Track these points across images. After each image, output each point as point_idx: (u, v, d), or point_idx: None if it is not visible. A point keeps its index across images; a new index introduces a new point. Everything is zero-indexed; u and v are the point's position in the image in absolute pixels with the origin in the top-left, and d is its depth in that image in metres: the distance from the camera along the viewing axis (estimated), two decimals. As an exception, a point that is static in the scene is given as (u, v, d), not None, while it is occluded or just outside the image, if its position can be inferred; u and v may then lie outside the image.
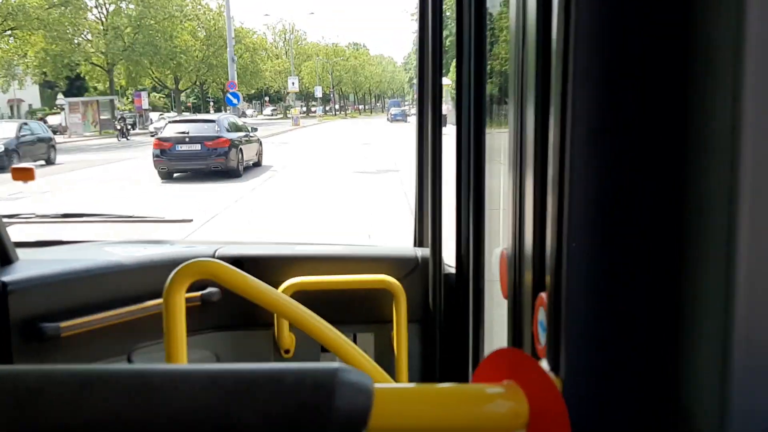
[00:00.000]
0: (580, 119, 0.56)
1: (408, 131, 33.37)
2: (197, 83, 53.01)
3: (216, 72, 50.30)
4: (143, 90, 46.56)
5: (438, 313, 2.06)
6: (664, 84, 0.54)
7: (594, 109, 0.55)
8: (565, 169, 0.57)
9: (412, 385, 0.53)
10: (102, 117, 36.86)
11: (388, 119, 51.20)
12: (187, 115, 29.84)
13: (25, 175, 2.33)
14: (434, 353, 2.15)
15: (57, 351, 1.71)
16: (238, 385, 0.46)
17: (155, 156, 14.67)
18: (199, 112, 49.78)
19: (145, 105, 43.33)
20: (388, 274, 2.06)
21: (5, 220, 1.96)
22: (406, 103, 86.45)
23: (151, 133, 34.07)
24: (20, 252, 1.89)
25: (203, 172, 14.58)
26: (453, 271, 2.07)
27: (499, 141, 1.87)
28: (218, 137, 14.77)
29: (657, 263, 0.55)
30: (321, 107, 74.44)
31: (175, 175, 14.90)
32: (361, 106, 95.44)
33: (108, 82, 43.72)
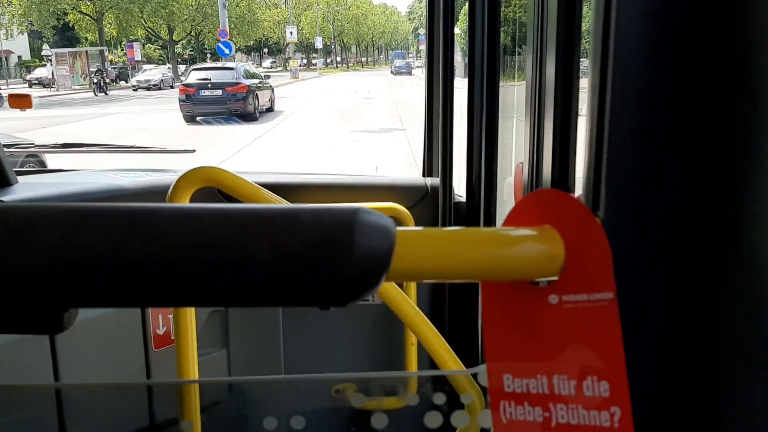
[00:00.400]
0: (621, 70, 0.51)
1: (413, 84, 32.05)
2: (192, 34, 50.14)
3: (212, 21, 47.34)
4: (135, 41, 43.81)
5: None
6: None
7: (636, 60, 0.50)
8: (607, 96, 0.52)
9: (435, 228, 0.49)
10: (92, 69, 34.35)
11: (391, 72, 49.84)
12: (208, 63, 28.57)
13: (22, 102, 2.28)
14: (444, 289, 2.14)
15: None
16: (251, 221, 0.42)
17: (181, 101, 16.00)
18: (195, 62, 48.13)
19: (138, 56, 41.39)
20: (398, 203, 2.03)
21: (6, 149, 1.92)
22: (410, 55, 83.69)
23: (133, 87, 33.03)
24: (20, 178, 1.86)
25: (223, 115, 15.75)
26: (463, 199, 2.05)
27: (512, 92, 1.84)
28: (237, 83, 16.05)
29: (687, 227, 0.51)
30: (322, 59, 71.57)
31: (198, 118, 15.95)
32: (363, 59, 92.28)
33: (98, 32, 40.98)
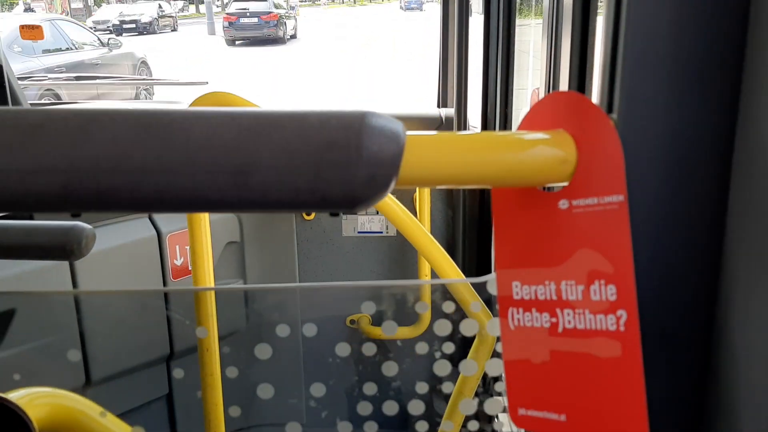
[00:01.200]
0: None
1: (425, 25, 28.25)
2: None
3: None
4: None
5: None
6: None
7: None
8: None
9: (446, 132, 0.48)
10: (74, 6, 28.25)
11: (401, 7, 45.22)
12: None
13: (33, 33, 2.26)
14: (458, 214, 2.14)
15: None
16: (259, 123, 0.42)
17: (224, 27, 19.43)
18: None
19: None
20: None
21: (20, 82, 1.92)
22: None
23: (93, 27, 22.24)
24: None
25: (258, 39, 19.28)
26: (478, 130, 2.02)
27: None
28: (270, 12, 19.51)
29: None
30: None
31: (237, 42, 19.49)
32: None
33: None
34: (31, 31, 2.25)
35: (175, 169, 0.41)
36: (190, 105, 1.33)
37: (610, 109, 0.51)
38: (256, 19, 19.21)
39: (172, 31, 23.98)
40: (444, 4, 2.23)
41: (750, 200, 0.46)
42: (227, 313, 2.05)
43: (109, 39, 9.48)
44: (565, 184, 0.50)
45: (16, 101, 1.75)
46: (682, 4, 0.47)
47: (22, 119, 0.42)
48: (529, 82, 1.88)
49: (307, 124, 0.42)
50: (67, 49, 8.04)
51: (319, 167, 0.42)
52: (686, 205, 0.50)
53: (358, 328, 2.23)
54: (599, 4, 0.93)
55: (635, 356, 0.47)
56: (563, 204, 0.50)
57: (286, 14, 20.71)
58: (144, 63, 9.05)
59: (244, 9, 19.36)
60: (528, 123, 0.53)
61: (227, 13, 19.82)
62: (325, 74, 13.51)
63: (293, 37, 20.88)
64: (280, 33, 19.72)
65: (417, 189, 2.07)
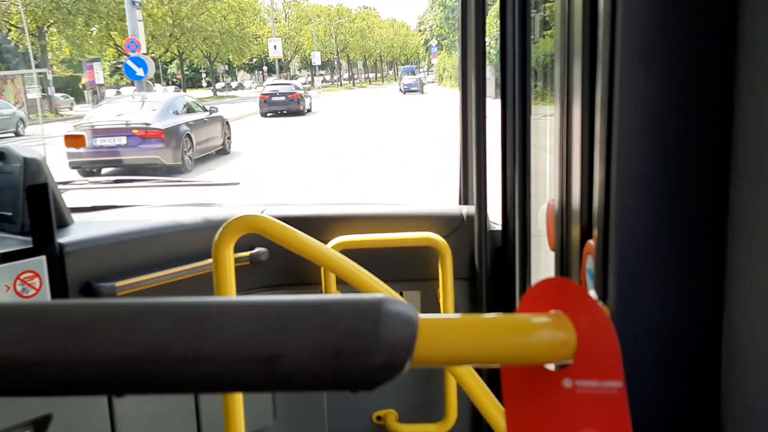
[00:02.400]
0: (628, 81, 0.55)
1: (427, 106, 28.36)
2: (175, 52, 43.41)
3: (193, 37, 41.26)
4: (95, 61, 32.19)
5: (484, 270, 2.07)
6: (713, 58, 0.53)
7: (641, 72, 0.54)
8: (614, 126, 0.56)
9: (456, 315, 0.53)
10: (30, 96, 24.86)
11: (400, 90, 42.12)
12: (273, 79, 34.39)
13: (76, 141, 2.40)
14: (481, 310, 2.16)
15: None
16: (286, 315, 0.47)
17: (261, 103, 26.37)
18: (190, 86, 44.55)
19: (100, 80, 30.10)
20: (434, 232, 2.06)
21: (60, 186, 2.02)
22: (422, 70, 73.55)
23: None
24: (75, 216, 1.95)
25: (284, 111, 25.88)
26: (499, 228, 2.07)
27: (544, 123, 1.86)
28: (294, 92, 26.49)
29: (704, 211, 0.54)
30: (323, 77, 62.38)
31: (268, 114, 25.95)
32: (372, 75, 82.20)
33: (42, 51, 32.45)
34: (74, 140, 2.40)
35: (210, 359, 0.47)
36: (223, 228, 1.40)
37: (604, 297, 0.56)
38: (283, 98, 26.22)
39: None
40: (463, 102, 2.31)
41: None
42: (254, 406, 2.06)
43: (210, 108, 15.11)
44: (570, 362, 0.54)
45: (60, 218, 1.84)
46: (669, 192, 0.52)
47: (76, 313, 0.48)
48: (547, 186, 1.93)
49: (329, 313, 0.48)
50: (188, 111, 13.57)
51: (339, 355, 0.47)
52: (685, 391, 0.53)
53: (385, 424, 2.23)
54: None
55: None
56: (567, 383, 0.54)
57: (304, 94, 27.91)
58: (227, 123, 15.24)
59: (275, 90, 26.70)
60: (526, 304, 0.57)
61: (262, 93, 27.16)
62: (336, 134, 18.72)
63: (309, 111, 28.16)
64: (301, 107, 26.66)
65: (440, 284, 2.11)
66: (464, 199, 2.30)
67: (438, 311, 2.12)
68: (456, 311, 2.17)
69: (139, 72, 17.09)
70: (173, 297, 0.49)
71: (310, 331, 0.47)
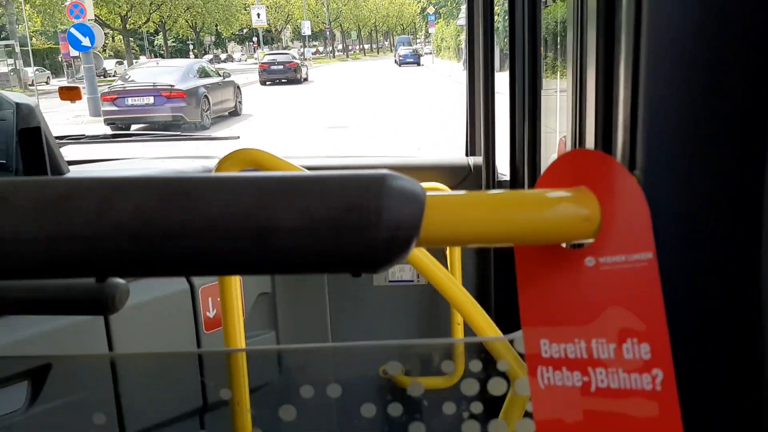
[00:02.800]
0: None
1: (425, 80, 26.76)
2: (157, 22, 40.73)
3: (175, 5, 38.66)
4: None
5: None
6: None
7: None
8: (641, 58, 0.50)
9: (466, 192, 0.48)
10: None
11: (396, 62, 39.61)
12: (267, 50, 35.35)
13: (72, 94, 2.35)
14: (488, 264, 2.12)
15: None
16: (280, 188, 0.42)
17: (260, 72, 27.71)
18: (176, 55, 42.38)
19: (75, 52, 25.26)
20: (441, 183, 2.02)
21: (57, 141, 1.98)
22: (418, 40, 68.05)
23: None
24: (71, 167, 1.92)
25: (283, 80, 27.14)
26: (507, 178, 2.02)
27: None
28: (291, 61, 27.89)
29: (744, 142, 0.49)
30: (312, 48, 57.60)
31: (267, 82, 27.11)
32: (367, 46, 76.68)
33: (9, 21, 28.62)
34: (69, 92, 2.35)
35: (196, 235, 0.42)
36: (220, 162, 1.35)
37: (632, 167, 0.51)
38: (282, 66, 27.79)
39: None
40: (470, 51, 2.26)
41: None
42: (260, 366, 2.04)
43: (222, 72, 16.51)
44: (591, 240, 0.49)
45: (55, 166, 1.80)
46: (700, 58, 0.47)
47: (51, 188, 0.43)
48: (558, 126, 1.88)
49: (328, 187, 0.43)
50: (205, 76, 14.82)
51: (339, 230, 0.42)
52: (716, 259, 0.49)
53: (392, 378, 2.20)
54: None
55: (674, 416, 0.46)
56: (589, 261, 0.49)
57: (301, 63, 29.45)
58: (238, 87, 16.48)
59: (273, 60, 28.51)
60: (547, 180, 0.52)
61: (261, 62, 28.84)
62: (332, 100, 19.45)
63: (306, 79, 29.41)
64: (298, 76, 28.15)
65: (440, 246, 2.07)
66: (471, 150, 2.26)
67: (445, 265, 2.08)
68: (463, 263, 2.13)
69: (85, 42, 15.05)
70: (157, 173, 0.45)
71: (307, 204, 0.42)
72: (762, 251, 0.48)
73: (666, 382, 0.46)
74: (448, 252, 2.09)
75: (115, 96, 13.66)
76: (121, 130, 11.95)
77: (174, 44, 50.53)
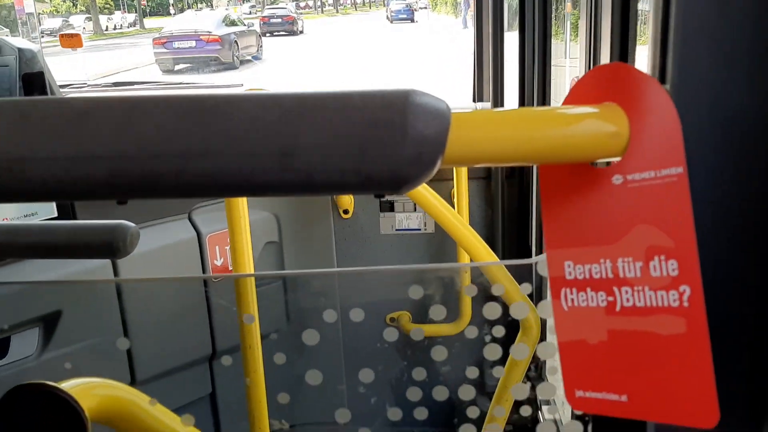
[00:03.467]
0: None
1: (420, 42, 22.70)
2: None
3: None
4: None
5: (500, 168, 2.01)
6: None
7: None
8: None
9: (492, 110, 0.47)
10: None
11: (387, 18, 35.81)
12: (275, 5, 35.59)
13: (73, 41, 2.32)
14: (496, 210, 2.12)
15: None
16: (302, 104, 0.41)
17: (261, 24, 27.07)
18: (156, 14, 40.51)
19: (30, 8, 21.94)
20: None
21: (60, 89, 1.96)
22: None
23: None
24: None
25: (282, 32, 28.08)
26: None
27: None
28: (289, 15, 29.03)
29: None
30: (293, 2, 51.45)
31: (266, 34, 26.58)
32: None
33: None
34: (70, 39, 2.32)
35: (218, 153, 0.41)
36: None
37: (662, 80, 0.49)
38: (280, 20, 28.93)
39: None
40: None
41: None
42: (268, 312, 2.06)
43: (247, 22, 19.67)
44: (618, 158, 0.48)
45: None
46: None
47: (67, 108, 0.42)
48: (567, 72, 1.85)
49: (351, 103, 0.42)
50: (232, 24, 17.37)
51: (363, 147, 0.41)
52: (746, 172, 0.48)
53: (398, 326, 2.22)
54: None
55: (701, 332, 0.45)
56: (617, 179, 0.48)
57: (297, 17, 30.62)
58: (259, 35, 19.28)
59: (273, 14, 29.78)
60: (572, 99, 0.51)
61: (263, 16, 30.01)
62: (328, 50, 20.49)
63: (302, 32, 30.31)
64: (295, 28, 29.21)
65: (455, 183, 2.05)
66: (479, 96, 2.23)
67: (452, 207, 2.08)
68: (470, 210, 2.12)
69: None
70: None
71: (330, 121, 0.41)
72: None
73: (693, 298, 0.45)
74: (455, 197, 2.08)
75: (165, 40, 16.46)
76: (168, 69, 15.91)
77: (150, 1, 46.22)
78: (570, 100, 0.51)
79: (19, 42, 1.74)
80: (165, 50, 16.26)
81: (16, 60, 1.68)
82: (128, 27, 33.68)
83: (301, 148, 0.41)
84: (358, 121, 0.41)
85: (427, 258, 2.29)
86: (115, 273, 1.79)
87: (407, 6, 35.93)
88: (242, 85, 2.54)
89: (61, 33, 2.36)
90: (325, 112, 0.42)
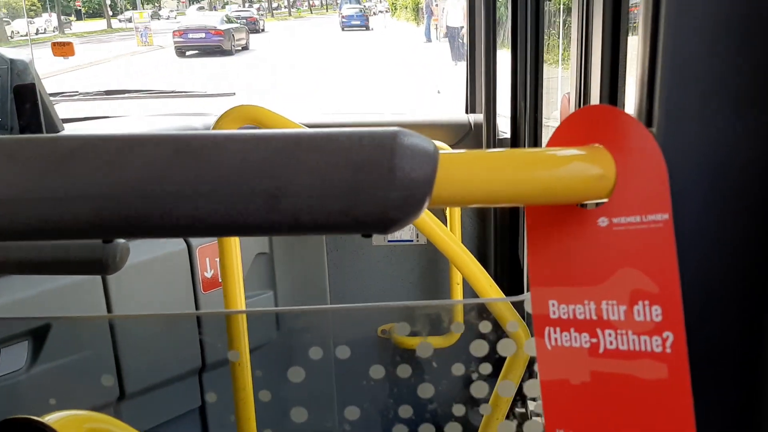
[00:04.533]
0: None
1: (375, 49, 20.78)
2: None
3: None
4: None
5: None
6: None
7: None
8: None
9: (479, 150, 0.47)
10: None
11: (340, 25, 31.26)
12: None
13: (65, 50, 2.31)
14: (488, 224, 2.12)
15: None
16: (290, 145, 0.41)
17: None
18: (93, 16, 39.27)
19: None
20: (441, 141, 2.00)
21: (51, 98, 1.95)
22: None
23: None
24: (66, 125, 1.89)
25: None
26: (508, 136, 2.01)
27: None
28: (252, 16, 32.42)
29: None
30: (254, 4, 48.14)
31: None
32: (317, 1, 63.25)
33: None
34: (62, 48, 2.31)
35: (207, 195, 0.41)
36: (219, 118, 1.34)
37: (649, 124, 0.50)
38: (245, 20, 30.43)
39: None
40: (470, 8, 2.22)
41: None
42: (258, 326, 2.05)
43: (240, 20, 27.20)
44: (604, 200, 0.48)
45: (50, 124, 1.77)
46: (724, 14, 0.45)
47: (56, 146, 0.42)
48: (559, 86, 1.85)
49: (339, 145, 0.42)
50: (229, 21, 23.76)
51: (351, 189, 0.41)
52: (732, 222, 0.48)
53: (390, 338, 2.22)
54: (630, 13, 0.91)
55: (683, 379, 0.45)
56: (602, 222, 0.48)
57: (260, 18, 34.29)
58: (248, 30, 25.13)
59: (239, 15, 31.37)
60: (559, 138, 0.51)
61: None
62: (286, 44, 24.18)
63: (264, 30, 33.39)
64: (258, 27, 32.13)
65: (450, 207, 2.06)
66: (471, 108, 2.23)
67: (444, 222, 2.08)
68: (463, 223, 2.13)
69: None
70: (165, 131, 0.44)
71: (318, 163, 0.41)
72: None
73: (676, 345, 0.45)
74: (447, 212, 2.08)
75: (183, 32, 22.53)
76: (183, 53, 21.78)
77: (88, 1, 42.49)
78: (556, 138, 0.51)
79: (11, 53, 1.73)
80: (182, 39, 22.30)
81: (8, 71, 1.68)
82: (53, 31, 31.61)
83: (289, 189, 0.41)
84: (345, 163, 0.41)
85: (419, 269, 2.29)
86: (105, 286, 1.79)
87: (361, 10, 31.07)
88: (234, 94, 2.54)
89: (53, 41, 2.36)
90: (313, 153, 0.42)
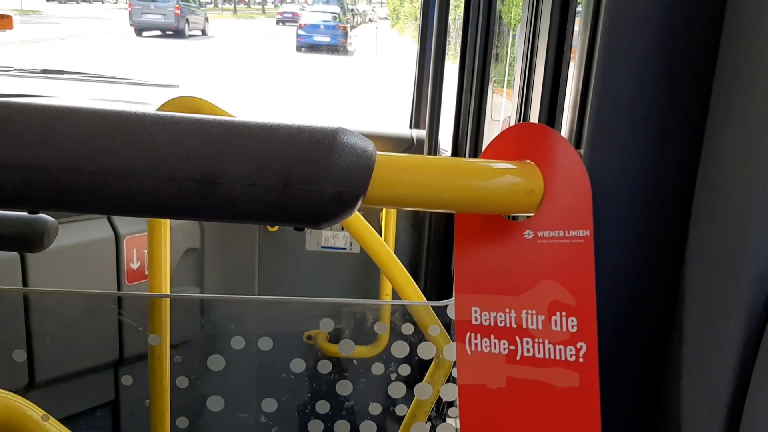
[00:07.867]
0: None
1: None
2: None
3: None
4: None
5: None
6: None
7: None
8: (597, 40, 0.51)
9: (415, 155, 0.48)
10: None
11: (277, 22, 23.73)
12: None
13: (4, 22, 2.22)
14: (422, 235, 2.14)
15: None
16: (229, 132, 0.41)
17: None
18: None
19: None
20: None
21: None
22: None
23: None
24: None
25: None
26: (448, 153, 2.04)
27: None
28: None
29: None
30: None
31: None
32: None
33: None
34: (1, 21, 2.22)
35: (139, 173, 0.41)
36: (158, 109, 1.31)
37: (578, 145, 0.52)
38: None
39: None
40: (422, 26, 2.25)
41: (709, 242, 0.47)
42: (181, 321, 2.01)
43: (197, 4, 23.29)
44: (531, 214, 0.50)
45: None
46: (653, 48, 0.48)
47: None
48: (503, 111, 1.90)
49: (278, 136, 0.42)
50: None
51: (287, 181, 0.41)
52: (647, 242, 0.51)
53: (315, 344, 2.21)
54: (573, 42, 0.95)
55: (592, 388, 0.47)
56: (528, 234, 0.50)
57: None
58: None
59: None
60: (493, 150, 0.53)
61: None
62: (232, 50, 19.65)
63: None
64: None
65: (384, 208, 2.07)
66: (416, 123, 2.26)
67: (380, 233, 2.09)
68: (397, 233, 2.14)
69: None
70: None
71: (255, 152, 0.41)
72: (688, 239, 0.50)
73: (588, 355, 0.48)
74: (383, 221, 2.10)
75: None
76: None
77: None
78: (490, 150, 0.53)
79: None
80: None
81: None
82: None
83: (224, 176, 0.41)
84: (283, 155, 0.42)
85: (350, 278, 2.29)
86: (23, 267, 1.71)
87: (334, 17, 17.45)
88: (178, 86, 2.49)
89: (-8, 13, 2.26)
90: (251, 143, 0.42)
